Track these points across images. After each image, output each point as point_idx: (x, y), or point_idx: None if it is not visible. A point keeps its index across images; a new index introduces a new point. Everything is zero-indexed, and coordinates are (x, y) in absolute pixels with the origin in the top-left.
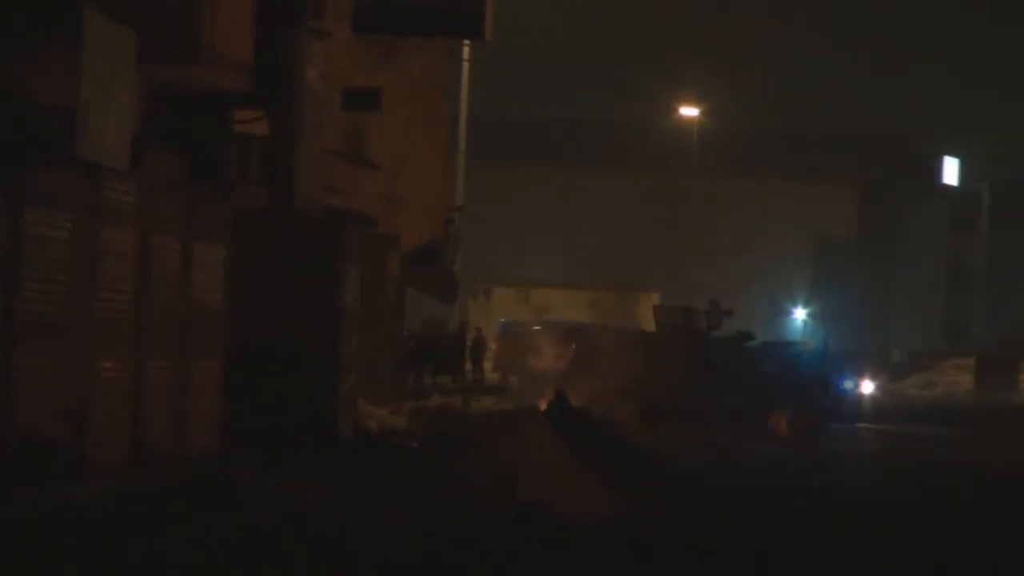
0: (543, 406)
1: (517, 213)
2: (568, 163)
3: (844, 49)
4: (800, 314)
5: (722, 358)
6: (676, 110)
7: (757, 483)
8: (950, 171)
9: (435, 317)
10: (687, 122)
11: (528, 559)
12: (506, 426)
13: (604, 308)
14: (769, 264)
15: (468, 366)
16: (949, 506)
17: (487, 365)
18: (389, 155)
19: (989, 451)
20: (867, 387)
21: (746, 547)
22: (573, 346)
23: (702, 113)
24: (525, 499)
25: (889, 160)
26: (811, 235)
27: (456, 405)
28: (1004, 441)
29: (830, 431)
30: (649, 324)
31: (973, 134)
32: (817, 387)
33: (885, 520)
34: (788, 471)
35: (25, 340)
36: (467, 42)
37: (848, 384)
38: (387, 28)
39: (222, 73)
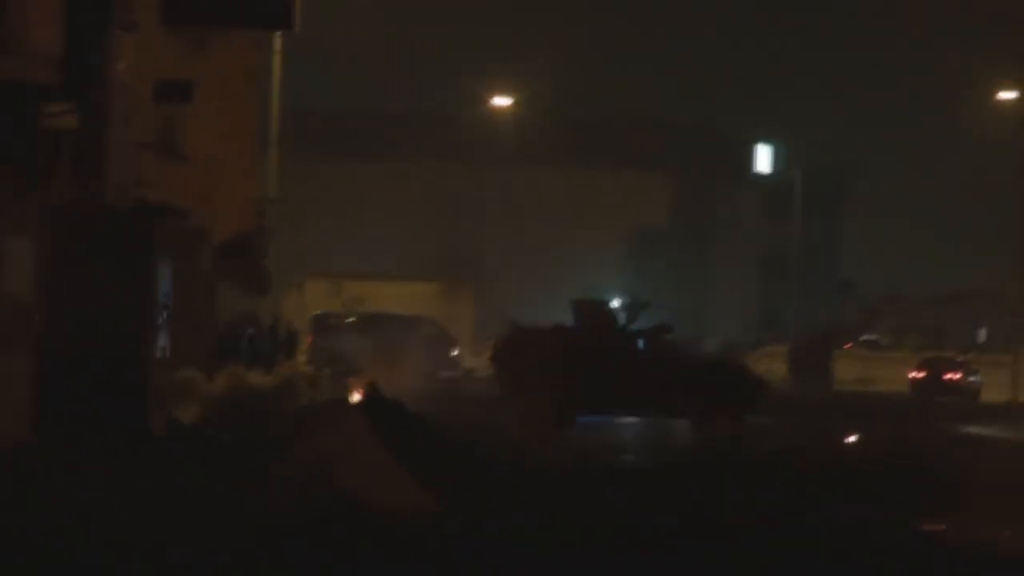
0: (357, 399)
1: (330, 205)
2: (382, 154)
3: (659, 37)
4: (615, 303)
5: (646, 351)
6: (489, 100)
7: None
8: (763, 159)
9: (247, 310)
10: (500, 112)
11: (338, 555)
12: (321, 419)
13: (419, 299)
14: (585, 253)
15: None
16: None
17: (300, 358)
18: (201, 148)
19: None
20: None
21: (551, 542)
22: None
23: (515, 103)
24: (340, 495)
25: (702, 148)
26: (625, 223)
27: (258, 380)
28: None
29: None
30: (463, 317)
31: (786, 122)
32: (742, 376)
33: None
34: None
35: None
36: (278, 33)
37: None
38: (196, 19)
39: (30, 65)
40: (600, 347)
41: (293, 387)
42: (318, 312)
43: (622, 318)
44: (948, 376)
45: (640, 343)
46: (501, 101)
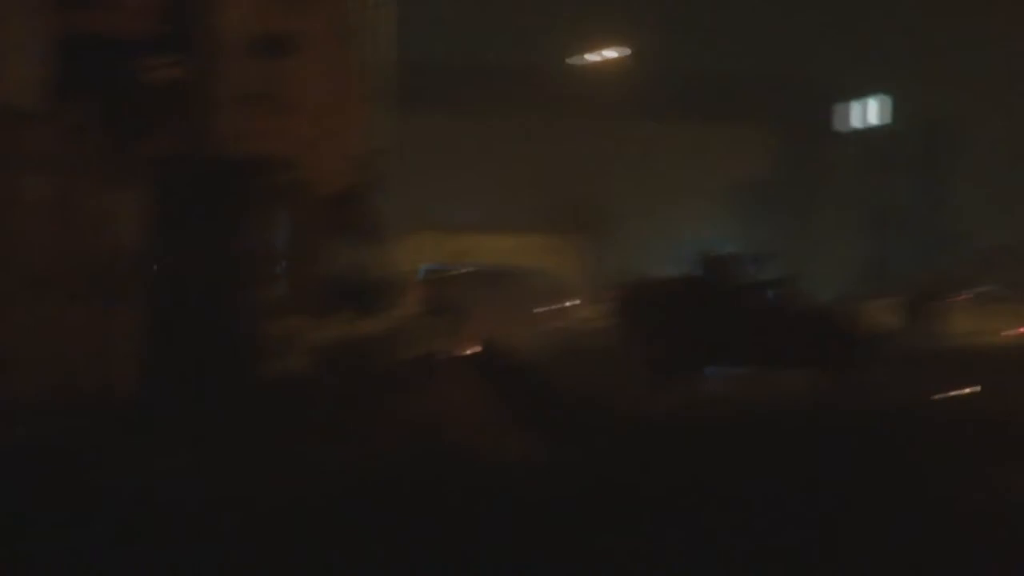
0: (469, 350)
1: (439, 157)
2: (490, 107)
3: None
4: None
5: (771, 303)
6: (592, 54)
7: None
8: (872, 112)
9: (356, 260)
10: (604, 65)
11: (446, 505)
12: (431, 369)
13: (530, 252)
14: (691, 205)
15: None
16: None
17: (411, 309)
18: (306, 99)
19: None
20: None
21: (665, 495)
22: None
23: (620, 57)
24: (450, 445)
25: (810, 101)
26: (731, 176)
27: (367, 329)
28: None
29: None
30: (573, 269)
31: (896, 74)
32: (863, 328)
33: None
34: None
35: None
36: None
37: None
38: None
39: (133, 18)
40: (727, 299)
41: (403, 337)
42: (428, 263)
43: (747, 271)
44: None
45: (766, 295)
46: (609, 54)
